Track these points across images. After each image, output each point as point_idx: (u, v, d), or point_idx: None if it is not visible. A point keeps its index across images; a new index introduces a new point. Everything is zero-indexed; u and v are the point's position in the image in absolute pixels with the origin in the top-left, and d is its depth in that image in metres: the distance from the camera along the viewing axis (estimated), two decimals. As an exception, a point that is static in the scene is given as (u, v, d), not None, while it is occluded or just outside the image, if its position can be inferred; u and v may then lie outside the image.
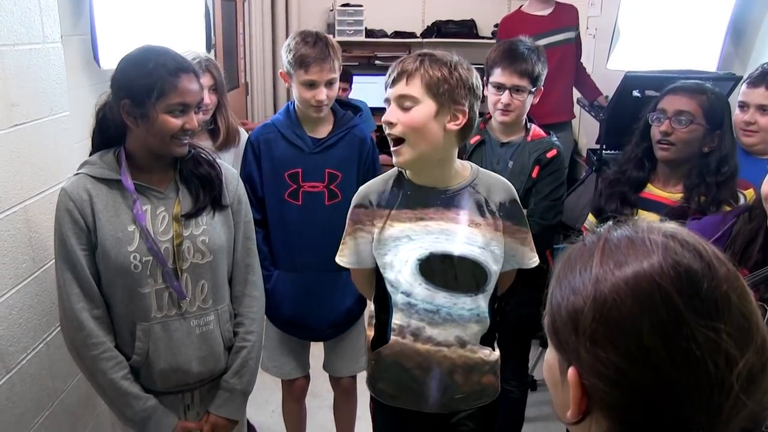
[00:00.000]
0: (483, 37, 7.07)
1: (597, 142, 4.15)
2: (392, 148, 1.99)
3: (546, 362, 0.98)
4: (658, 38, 4.30)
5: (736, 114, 2.67)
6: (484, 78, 2.69)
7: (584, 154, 5.25)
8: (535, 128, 2.79)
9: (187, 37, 3.85)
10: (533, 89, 2.71)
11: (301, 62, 2.60)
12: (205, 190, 2.08)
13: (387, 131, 1.98)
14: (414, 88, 1.93)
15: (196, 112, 1.98)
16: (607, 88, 4.76)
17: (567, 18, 4.81)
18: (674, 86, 2.51)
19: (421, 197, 2.05)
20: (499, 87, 2.70)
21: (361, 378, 3.15)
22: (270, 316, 2.89)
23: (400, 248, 2.04)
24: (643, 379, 0.82)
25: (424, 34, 7.26)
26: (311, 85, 2.63)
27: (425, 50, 2.01)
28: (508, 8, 6.83)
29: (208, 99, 2.82)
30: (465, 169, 2.12)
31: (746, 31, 3.71)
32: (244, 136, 3.05)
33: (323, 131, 2.77)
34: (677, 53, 4.01)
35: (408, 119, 1.94)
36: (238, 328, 2.21)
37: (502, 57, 2.71)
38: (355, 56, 7.20)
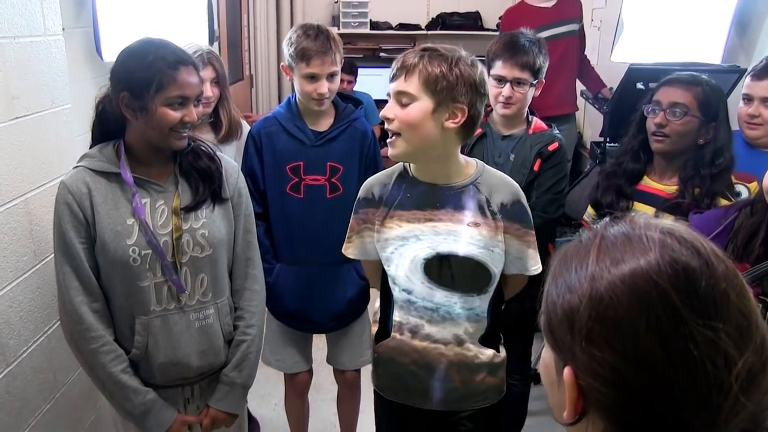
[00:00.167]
0: (488, 30, 7.05)
1: (601, 135, 4.14)
2: (388, 140, 1.98)
3: (542, 360, 0.97)
4: (662, 30, 4.28)
5: (740, 107, 2.66)
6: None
7: (588, 146, 5.24)
8: (536, 121, 2.78)
9: (189, 29, 3.85)
10: (534, 82, 2.70)
11: (302, 55, 2.59)
12: (205, 183, 2.08)
13: (385, 126, 1.97)
14: (411, 84, 1.91)
15: (196, 105, 1.97)
16: (612, 80, 4.75)
17: (570, 10, 4.78)
18: (669, 78, 2.51)
19: (425, 195, 2.04)
20: (500, 80, 2.69)
21: (365, 372, 3.16)
22: (272, 309, 2.89)
23: (407, 247, 2.03)
24: (640, 379, 0.80)
25: (428, 27, 7.25)
26: (313, 78, 2.62)
27: (429, 44, 1.98)
28: (513, 0, 6.80)
29: (210, 92, 2.81)
30: (469, 166, 2.08)
31: (751, 24, 3.69)
32: (246, 129, 3.05)
33: (325, 124, 2.77)
34: (681, 45, 4.00)
35: (404, 115, 1.92)
36: (239, 322, 2.21)
37: (503, 49, 2.70)
38: (360, 49, 7.18)
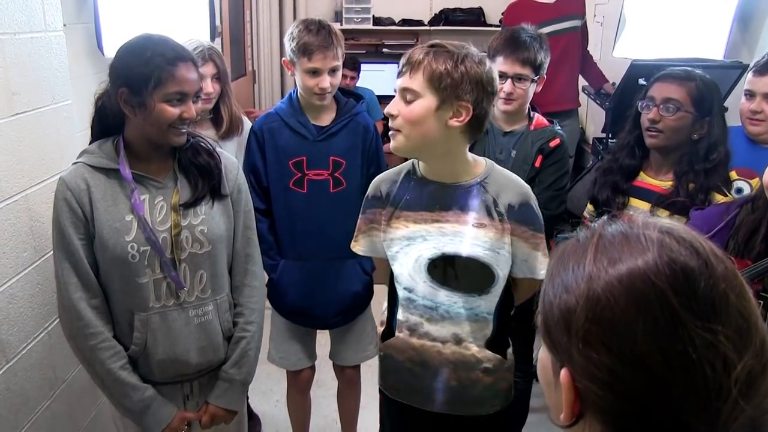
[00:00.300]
0: (491, 25, 7.03)
1: (603, 131, 4.14)
2: (390, 133, 1.97)
3: (540, 361, 0.95)
4: (664, 26, 4.27)
5: (743, 102, 2.64)
6: None
7: (591, 142, 5.23)
8: (538, 117, 2.77)
9: (191, 25, 3.84)
10: (536, 78, 2.69)
11: (304, 50, 2.59)
12: (204, 179, 2.07)
13: (389, 122, 1.96)
14: (416, 81, 1.89)
15: (195, 102, 1.96)
16: (613, 76, 4.74)
17: (572, 6, 4.78)
18: (663, 74, 2.51)
19: (432, 194, 2.02)
20: (502, 76, 2.68)
21: (366, 367, 3.16)
22: (276, 306, 2.89)
23: (413, 246, 2.02)
24: (637, 382, 0.78)
25: (431, 22, 7.23)
26: (315, 72, 2.62)
27: (438, 41, 1.95)
28: (515, -5, 6.79)
29: (211, 88, 2.81)
30: (478, 165, 2.05)
31: (753, 19, 3.68)
32: (247, 125, 3.05)
33: (326, 119, 2.76)
34: (683, 41, 3.98)
35: (407, 112, 1.90)
36: (238, 318, 2.20)
37: (504, 45, 2.69)
38: (363, 44, 7.18)
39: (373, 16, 7.11)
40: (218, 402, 2.17)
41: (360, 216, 2.19)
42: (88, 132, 2.10)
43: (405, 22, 7.27)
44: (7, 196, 2.13)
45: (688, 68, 2.52)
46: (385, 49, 7.22)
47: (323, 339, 3.06)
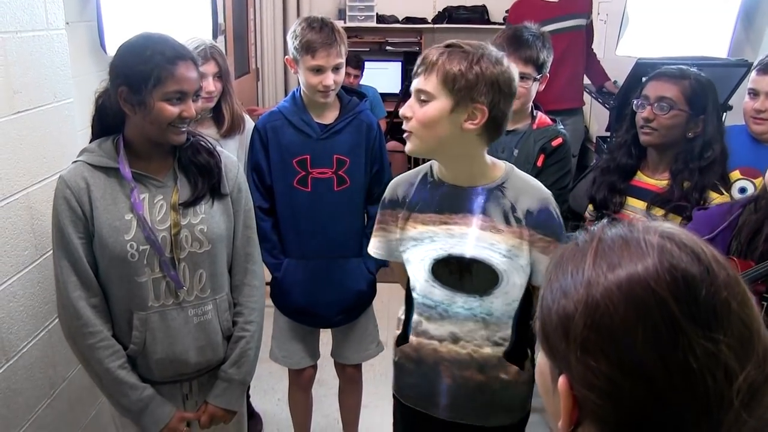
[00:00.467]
0: (494, 23, 7.02)
1: (607, 130, 4.13)
2: (404, 135, 1.94)
3: (538, 366, 0.93)
4: (667, 24, 4.26)
5: (746, 101, 2.64)
6: None
7: (595, 141, 5.23)
8: (541, 116, 2.75)
9: (193, 23, 3.84)
10: (538, 76, 2.67)
11: (307, 48, 2.58)
12: (204, 178, 2.06)
13: (403, 124, 1.92)
14: (430, 83, 1.84)
15: (195, 100, 1.95)
16: (617, 74, 4.75)
17: (578, 5, 4.79)
18: (657, 72, 2.51)
19: (447, 198, 1.99)
20: None
21: (368, 366, 3.15)
22: (280, 305, 2.89)
23: (420, 247, 2.00)
24: (637, 392, 0.76)
25: (435, 20, 7.23)
26: (318, 70, 2.61)
27: (455, 40, 1.88)
28: (519, -7, 6.78)
29: (213, 86, 2.81)
30: (497, 168, 1.99)
31: (757, 17, 3.67)
32: (248, 123, 3.04)
33: (330, 117, 2.76)
34: (687, 39, 3.97)
35: (420, 114, 1.86)
36: (238, 318, 2.20)
37: (507, 44, 2.67)
38: (366, 42, 7.18)
39: (377, 13, 7.12)
40: (217, 402, 2.17)
41: (377, 217, 2.17)
42: (89, 130, 2.10)
43: (408, 20, 7.27)
44: (8, 194, 2.13)
45: (683, 66, 2.51)
46: (388, 47, 7.23)
47: (325, 337, 3.05)
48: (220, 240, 2.10)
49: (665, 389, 0.75)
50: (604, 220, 0.91)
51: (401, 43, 7.24)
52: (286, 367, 3.05)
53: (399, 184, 2.12)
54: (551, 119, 2.77)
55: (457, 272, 1.98)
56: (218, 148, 2.16)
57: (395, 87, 7.02)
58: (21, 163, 2.19)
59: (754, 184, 2.53)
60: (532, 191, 1.98)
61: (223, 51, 5.18)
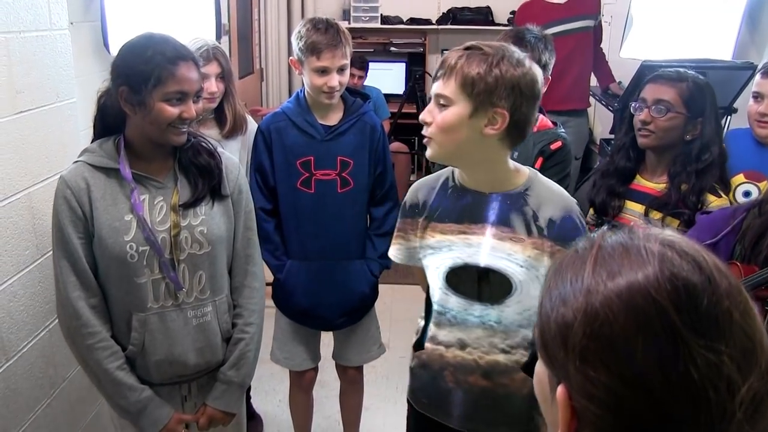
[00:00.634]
0: (499, 24, 7.00)
1: (611, 132, 4.12)
2: (424, 140, 1.91)
3: (536, 375, 0.92)
4: (671, 26, 4.26)
5: (751, 105, 2.63)
6: None
7: (598, 143, 5.24)
8: (542, 118, 2.73)
9: (196, 24, 3.84)
10: None
11: (312, 49, 2.58)
12: (204, 179, 2.06)
13: (423, 129, 1.89)
14: (449, 87, 1.79)
15: (196, 101, 1.95)
16: (621, 76, 4.77)
17: (585, 6, 4.80)
18: (655, 74, 2.51)
19: (468, 206, 1.94)
20: None
21: (369, 368, 3.15)
22: (283, 307, 2.88)
23: (438, 255, 1.97)
24: (637, 403, 0.74)
25: (439, 21, 7.22)
26: (323, 71, 2.60)
27: (475, 42, 1.83)
28: (524, -5, 6.78)
29: (215, 87, 2.80)
30: (520, 174, 1.94)
31: (762, 19, 3.66)
32: (251, 124, 3.04)
33: (334, 118, 2.75)
34: (691, 41, 3.97)
35: (440, 120, 1.81)
36: (237, 320, 2.19)
37: (510, 34, 2.67)
38: (371, 43, 7.18)
39: (381, 14, 7.10)
40: (216, 404, 2.16)
41: (398, 222, 2.13)
42: (92, 130, 2.10)
43: (413, 20, 7.26)
44: (9, 194, 2.13)
45: (680, 69, 2.52)
46: (392, 48, 7.22)
47: (326, 339, 3.05)
48: (220, 241, 2.09)
49: (666, 401, 0.74)
50: (605, 227, 0.89)
51: (405, 44, 7.24)
52: (287, 369, 3.05)
53: (420, 187, 2.08)
54: (552, 122, 2.75)
55: (472, 281, 1.94)
56: (219, 149, 2.16)
57: (399, 88, 7.01)
58: (23, 163, 2.18)
59: (758, 188, 2.52)
60: (555, 199, 1.92)
61: (227, 51, 5.20)
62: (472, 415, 2.04)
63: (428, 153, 1.90)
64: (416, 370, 2.11)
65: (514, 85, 1.75)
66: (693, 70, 2.54)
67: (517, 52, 1.80)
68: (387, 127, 6.00)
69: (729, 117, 3.58)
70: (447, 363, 2.02)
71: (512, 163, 1.94)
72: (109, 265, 1.97)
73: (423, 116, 1.87)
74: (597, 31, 4.92)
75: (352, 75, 4.81)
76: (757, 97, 2.60)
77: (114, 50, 2.80)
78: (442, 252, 1.96)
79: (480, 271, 1.92)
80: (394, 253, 2.14)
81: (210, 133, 2.80)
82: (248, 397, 3.41)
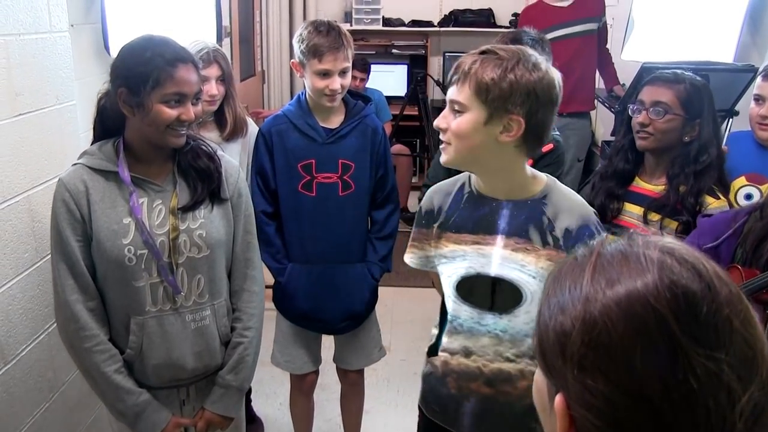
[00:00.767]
0: (500, 26, 7.02)
1: (612, 134, 4.12)
2: (441, 146, 1.87)
3: (535, 384, 0.91)
4: (673, 28, 4.26)
5: (752, 107, 2.62)
6: None
7: (600, 145, 5.24)
8: None
9: (197, 26, 3.84)
10: None
11: (314, 52, 2.57)
12: (204, 183, 2.05)
13: (440, 135, 1.86)
14: (463, 93, 1.74)
15: (195, 104, 1.94)
16: (622, 78, 4.75)
17: (589, 9, 4.83)
18: (652, 76, 2.51)
19: (483, 215, 1.90)
20: None
21: (370, 371, 3.14)
22: (284, 310, 2.87)
23: (451, 264, 1.94)
24: (635, 413, 0.73)
25: (441, 23, 7.24)
26: (325, 74, 2.60)
27: (491, 46, 1.77)
28: (525, -2, 6.79)
29: (216, 90, 2.80)
30: (537, 182, 1.89)
31: (764, 21, 3.65)
32: (251, 126, 3.04)
33: (335, 121, 2.74)
34: (693, 44, 3.97)
35: (454, 127, 1.77)
36: (236, 324, 2.18)
37: (507, 36, 2.65)
38: (372, 45, 7.20)
39: (383, 16, 7.12)
40: (214, 408, 2.15)
41: (414, 228, 2.10)
42: (92, 132, 2.09)
43: (415, 23, 7.28)
44: (8, 197, 2.13)
45: (678, 70, 2.52)
46: (394, 50, 7.24)
47: (327, 342, 3.04)
48: (219, 245, 2.08)
49: (664, 410, 0.73)
50: (604, 234, 0.89)
51: (407, 46, 7.25)
52: (287, 372, 3.04)
53: (436, 192, 2.04)
54: None
55: (485, 291, 1.91)
56: (219, 152, 2.15)
57: (401, 90, 7.02)
58: (22, 165, 2.18)
59: (760, 191, 2.52)
60: (573, 207, 1.87)
61: (229, 53, 5.21)
62: (481, 425, 2.02)
63: (443, 159, 1.86)
64: (427, 377, 2.10)
65: (530, 91, 1.69)
66: (694, 72, 2.53)
67: (534, 56, 1.74)
68: (389, 129, 6.01)
69: (730, 120, 3.58)
70: (451, 370, 2.00)
71: (529, 170, 1.89)
72: (108, 268, 1.97)
73: (438, 122, 1.83)
74: (601, 33, 4.96)
75: (353, 77, 4.80)
76: (759, 99, 2.59)
77: (114, 52, 2.80)
78: (455, 261, 1.94)
79: (493, 281, 1.89)
80: (410, 259, 2.10)
81: (210, 136, 2.80)
82: (249, 400, 3.41)
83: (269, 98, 7.10)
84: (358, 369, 3.07)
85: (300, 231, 2.76)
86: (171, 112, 1.89)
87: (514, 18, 6.80)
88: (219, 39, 4.18)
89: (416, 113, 6.54)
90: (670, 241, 0.82)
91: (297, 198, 2.72)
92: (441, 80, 7.02)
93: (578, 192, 2.87)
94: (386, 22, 7.17)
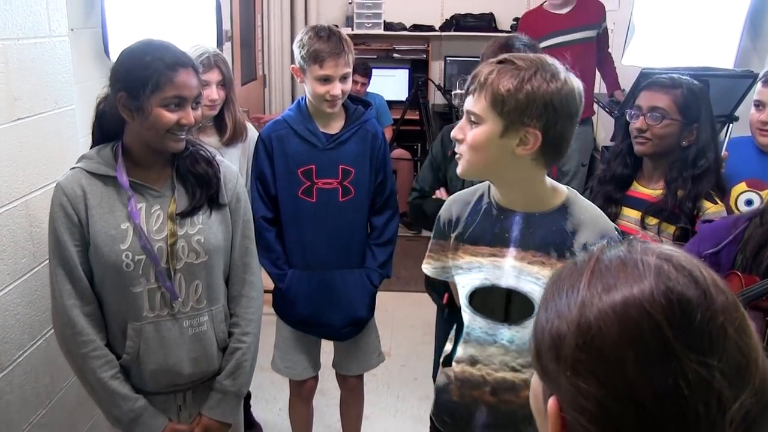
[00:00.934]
0: (502, 31, 7.00)
1: (612, 139, 4.12)
2: (456, 156, 1.83)
3: (532, 388, 0.91)
4: (673, 34, 4.26)
5: (752, 113, 2.61)
6: None
7: (600, 150, 5.24)
8: None
9: (197, 31, 3.84)
10: None
11: (315, 57, 2.57)
12: (202, 188, 2.04)
13: (455, 146, 1.82)
14: (479, 104, 1.68)
15: (195, 108, 1.94)
16: (622, 83, 4.74)
17: (587, 16, 4.84)
18: (649, 82, 2.51)
19: (500, 229, 1.85)
20: None
21: (369, 377, 3.13)
22: (284, 316, 2.87)
23: (466, 275, 1.91)
24: (626, 417, 0.74)
25: (442, 28, 7.24)
26: (326, 80, 2.59)
27: (510, 55, 1.72)
28: (527, 3, 6.78)
29: (216, 95, 2.80)
30: (557, 194, 1.83)
31: (764, 27, 3.65)
32: (250, 131, 3.04)
33: (335, 126, 2.74)
34: (693, 49, 3.96)
35: (470, 139, 1.72)
36: (234, 329, 2.17)
37: (496, 53, 2.63)
38: (374, 49, 7.20)
39: (384, 21, 7.13)
40: (211, 414, 2.14)
41: (429, 244, 2.07)
42: (91, 137, 2.09)
43: (416, 27, 7.28)
44: (6, 202, 2.12)
45: (675, 75, 2.51)
46: (395, 54, 7.25)
47: (327, 347, 3.03)
48: (217, 251, 2.08)
49: (655, 415, 0.73)
50: (604, 240, 0.89)
51: (409, 50, 7.26)
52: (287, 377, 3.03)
53: (454, 201, 2.00)
54: None
55: (500, 303, 1.88)
56: (218, 157, 2.14)
57: (402, 94, 7.02)
58: (20, 170, 2.18)
59: (760, 196, 2.51)
60: (593, 221, 1.81)
61: (230, 57, 5.21)
62: None
63: (459, 170, 1.82)
64: (437, 389, 2.08)
65: (547, 103, 1.63)
66: (693, 78, 2.53)
67: (553, 65, 1.68)
68: (390, 133, 6.01)
69: (730, 125, 3.57)
70: (455, 377, 2.00)
71: (549, 182, 1.83)
72: (105, 274, 1.96)
73: (454, 133, 1.78)
74: (601, 39, 4.96)
75: (355, 82, 4.81)
76: (759, 105, 2.58)
77: (114, 57, 2.80)
78: (471, 272, 1.91)
79: (507, 293, 1.85)
80: (428, 269, 2.07)
81: (210, 141, 2.80)
82: (248, 406, 3.40)
83: (270, 102, 7.10)
84: (357, 374, 3.06)
85: (300, 237, 2.76)
86: (170, 116, 1.89)
87: (515, 23, 6.79)
88: (219, 43, 4.18)
89: (417, 117, 6.54)
90: (668, 248, 0.83)
91: (297, 204, 2.72)
92: (442, 85, 7.02)
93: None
94: (387, 26, 7.18)
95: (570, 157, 4.71)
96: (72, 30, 2.50)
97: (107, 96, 1.99)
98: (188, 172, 2.04)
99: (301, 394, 3.05)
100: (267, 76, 7.05)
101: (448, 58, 7.29)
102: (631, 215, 2.46)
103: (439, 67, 7.43)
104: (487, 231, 1.87)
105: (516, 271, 1.83)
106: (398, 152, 6.41)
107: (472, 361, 1.96)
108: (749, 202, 2.53)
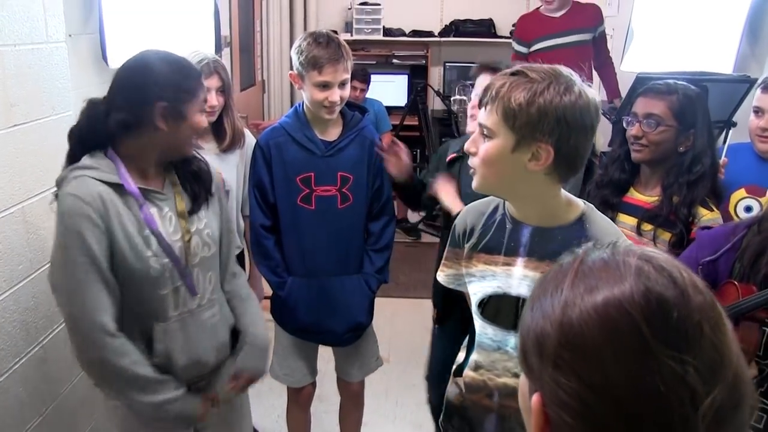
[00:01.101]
0: (501, 37, 7.01)
1: (609, 145, 4.11)
2: (470, 171, 1.80)
3: (519, 387, 0.94)
4: (672, 39, 4.27)
5: (751, 119, 2.61)
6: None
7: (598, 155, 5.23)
8: None
9: (195, 37, 3.84)
10: None
11: (314, 63, 2.56)
12: (199, 182, 2.08)
13: (469, 160, 1.80)
14: (491, 118, 1.64)
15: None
16: (621, 89, 4.75)
17: (583, 19, 4.85)
18: (645, 88, 2.50)
19: (515, 240, 1.83)
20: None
21: (367, 383, 3.12)
22: (285, 324, 2.86)
23: (478, 283, 1.90)
24: (605, 412, 0.76)
25: (441, 33, 7.25)
26: (325, 86, 2.58)
27: (524, 66, 1.67)
28: (526, 8, 6.78)
29: (216, 101, 2.80)
30: (573, 209, 1.79)
31: (763, 32, 3.65)
32: (248, 137, 3.04)
33: (333, 133, 2.74)
34: (692, 54, 3.97)
35: (482, 152, 1.69)
36: (234, 302, 2.27)
37: (484, 64, 2.63)
38: (373, 55, 7.21)
39: (384, 26, 7.13)
40: (245, 363, 2.22)
41: (445, 252, 2.05)
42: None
43: (415, 33, 7.29)
44: (3, 208, 2.12)
45: (670, 81, 2.50)
46: (395, 60, 7.25)
47: (325, 354, 3.03)
48: (219, 240, 2.14)
49: (632, 410, 0.75)
50: (590, 243, 0.91)
51: (408, 56, 7.26)
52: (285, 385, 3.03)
53: (470, 212, 1.98)
54: None
55: (509, 311, 1.86)
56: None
57: (401, 100, 7.02)
58: (17, 176, 2.18)
59: (759, 202, 2.51)
60: (608, 237, 1.74)
61: (229, 63, 5.21)
62: None
63: (474, 184, 1.78)
64: (448, 396, 2.07)
65: (560, 117, 1.58)
66: (691, 83, 2.52)
67: (568, 77, 1.63)
68: (387, 140, 5.99)
69: (728, 131, 3.57)
70: (461, 384, 1.99)
71: (565, 195, 1.79)
72: (130, 281, 1.92)
73: (467, 146, 1.76)
74: (599, 43, 4.97)
75: (354, 87, 4.81)
76: (758, 111, 2.58)
77: (112, 62, 2.80)
78: (485, 281, 1.89)
79: (517, 302, 1.83)
80: (443, 278, 2.05)
81: (208, 147, 2.80)
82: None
83: (269, 108, 7.11)
84: (360, 380, 3.05)
85: (299, 244, 2.75)
86: (204, 120, 1.98)
87: (514, 28, 6.81)
88: (218, 49, 4.18)
89: (416, 123, 6.54)
90: (650, 249, 0.86)
91: (296, 211, 2.71)
92: (441, 90, 7.03)
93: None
94: (387, 32, 7.18)
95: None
96: (70, 36, 2.50)
97: (102, 101, 1.93)
98: (185, 170, 2.07)
99: (299, 400, 3.04)
100: (266, 82, 7.05)
101: (447, 64, 7.30)
102: (627, 222, 2.45)
103: (438, 73, 7.44)
104: (501, 242, 1.85)
105: (528, 279, 1.81)
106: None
107: (475, 367, 1.97)
108: (749, 209, 2.53)
